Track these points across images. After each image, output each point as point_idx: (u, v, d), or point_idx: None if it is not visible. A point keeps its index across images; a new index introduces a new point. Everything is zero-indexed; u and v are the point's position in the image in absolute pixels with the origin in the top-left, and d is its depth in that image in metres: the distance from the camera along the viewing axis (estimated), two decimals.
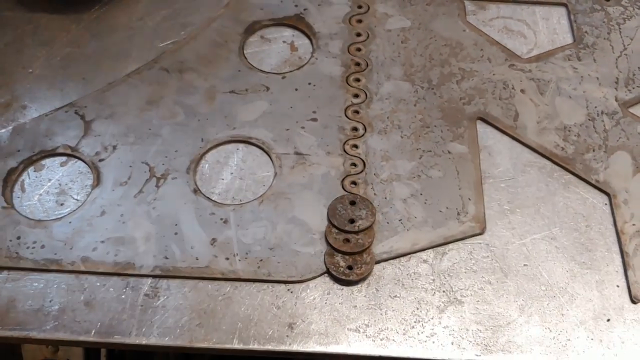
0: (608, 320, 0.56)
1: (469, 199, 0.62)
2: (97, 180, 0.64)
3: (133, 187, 0.63)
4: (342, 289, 0.57)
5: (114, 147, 0.66)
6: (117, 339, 0.55)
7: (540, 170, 0.65)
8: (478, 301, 0.57)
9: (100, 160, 0.65)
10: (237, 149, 0.66)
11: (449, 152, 0.65)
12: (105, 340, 0.55)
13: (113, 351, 0.80)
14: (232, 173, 0.65)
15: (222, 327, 0.55)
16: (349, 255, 0.58)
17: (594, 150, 0.66)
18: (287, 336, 0.55)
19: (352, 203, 0.61)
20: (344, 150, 0.65)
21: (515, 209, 0.62)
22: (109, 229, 0.60)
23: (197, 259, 0.58)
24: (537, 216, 0.62)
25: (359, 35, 0.76)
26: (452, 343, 0.54)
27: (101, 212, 0.61)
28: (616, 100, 0.70)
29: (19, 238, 0.60)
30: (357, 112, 0.69)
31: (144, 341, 0.55)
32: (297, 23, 0.77)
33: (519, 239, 0.60)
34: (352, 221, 0.60)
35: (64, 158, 0.66)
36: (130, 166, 0.65)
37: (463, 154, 0.65)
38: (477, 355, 0.54)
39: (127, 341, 0.55)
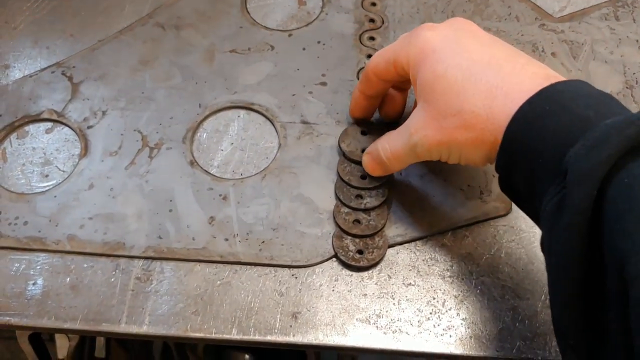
0: None
1: (493, 176, 0.56)
2: (85, 150, 0.58)
3: (124, 157, 0.58)
4: (352, 275, 0.52)
5: (104, 113, 0.60)
6: (105, 326, 0.50)
7: None
8: (501, 290, 0.52)
9: (89, 127, 0.60)
10: (238, 116, 0.61)
11: None
12: (93, 328, 0.50)
13: None
14: (232, 143, 0.59)
15: (220, 316, 0.51)
16: (359, 238, 0.53)
17: None
18: (291, 326, 0.50)
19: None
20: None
21: None
22: (98, 204, 0.55)
23: (193, 239, 0.53)
24: None
25: None
26: (472, 337, 0.50)
27: (89, 185, 0.56)
28: None
29: None
30: None
31: (134, 330, 0.50)
32: None
33: None
34: (359, 197, 0.54)
35: (49, 124, 0.60)
36: (122, 134, 0.59)
37: None
38: (498, 351, 0.49)
39: (116, 329, 0.50)
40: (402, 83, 0.54)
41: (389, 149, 0.51)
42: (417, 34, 0.48)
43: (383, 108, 0.57)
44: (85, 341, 0.83)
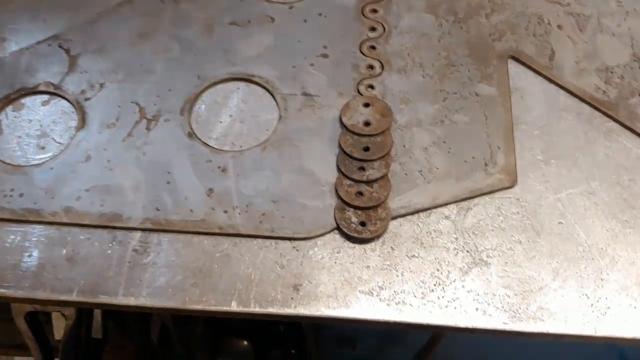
0: None
1: (498, 148, 0.55)
2: (82, 122, 0.57)
3: (121, 129, 0.57)
4: (354, 247, 0.51)
5: (101, 85, 0.59)
6: (102, 299, 0.49)
7: (578, 116, 0.58)
8: (506, 263, 0.51)
9: (86, 100, 0.59)
10: (238, 88, 0.60)
11: (477, 95, 0.58)
12: (90, 300, 0.49)
13: None
14: (231, 115, 0.58)
15: (220, 288, 0.50)
16: (361, 210, 0.52)
17: (639, 95, 0.59)
18: (292, 298, 0.49)
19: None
20: (358, 91, 0.59)
21: (549, 159, 0.55)
22: (95, 176, 0.54)
23: (191, 211, 0.52)
24: (574, 168, 0.55)
25: None
26: (477, 309, 0.49)
27: (86, 157, 0.55)
28: None
29: None
30: (373, 47, 0.61)
31: (132, 302, 0.49)
32: None
33: (553, 193, 0.54)
34: (362, 169, 0.53)
35: (46, 96, 0.59)
36: (119, 106, 0.58)
37: (492, 97, 0.58)
38: (505, 323, 0.48)
39: (113, 301, 0.49)
40: None
41: None
42: None
43: None
44: (82, 321, 0.82)
